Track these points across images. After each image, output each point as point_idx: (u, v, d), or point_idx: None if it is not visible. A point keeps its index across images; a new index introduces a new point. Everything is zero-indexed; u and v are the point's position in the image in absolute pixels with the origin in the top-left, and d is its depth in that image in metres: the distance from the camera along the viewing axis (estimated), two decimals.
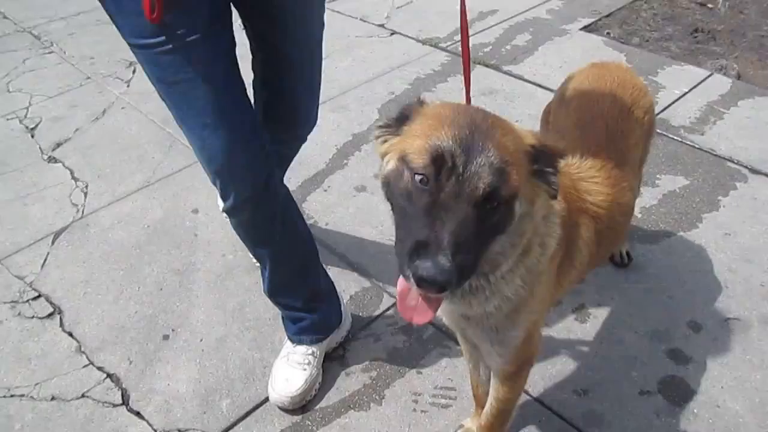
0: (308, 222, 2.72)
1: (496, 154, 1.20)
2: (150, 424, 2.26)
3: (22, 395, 2.39)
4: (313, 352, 2.31)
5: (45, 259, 2.96)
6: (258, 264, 2.26)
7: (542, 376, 2.32)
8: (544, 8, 4.95)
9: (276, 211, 2.04)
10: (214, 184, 1.91)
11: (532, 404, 2.24)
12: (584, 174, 1.79)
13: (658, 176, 3.22)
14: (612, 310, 2.56)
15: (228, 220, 2.09)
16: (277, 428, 2.22)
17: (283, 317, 2.36)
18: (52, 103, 4.12)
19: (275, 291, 2.26)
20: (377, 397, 2.29)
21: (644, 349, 2.40)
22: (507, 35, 4.61)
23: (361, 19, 4.98)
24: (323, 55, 2.23)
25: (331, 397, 2.31)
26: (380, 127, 1.40)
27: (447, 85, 4.06)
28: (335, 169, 3.41)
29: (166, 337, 2.56)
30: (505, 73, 4.16)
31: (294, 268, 2.21)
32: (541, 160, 1.32)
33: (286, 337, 2.37)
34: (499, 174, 1.20)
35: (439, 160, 1.20)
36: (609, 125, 1.94)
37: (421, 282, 1.14)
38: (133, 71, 4.39)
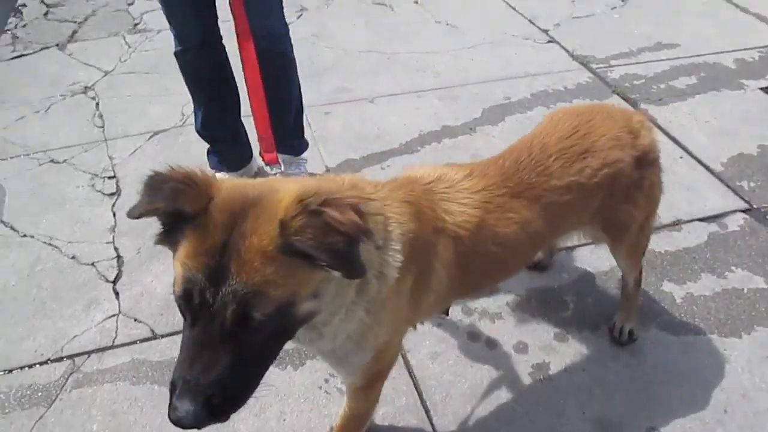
0: None
1: (242, 281, 1.12)
2: (119, 305, 2.60)
3: (55, 246, 2.88)
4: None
5: (135, 150, 3.46)
6: None
7: None
8: (733, 56, 4.35)
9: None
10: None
11: None
12: (451, 194, 1.69)
13: (732, 268, 2.76)
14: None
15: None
16: None
17: (208, 152, 3.11)
18: None
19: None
20: (297, 363, 2.38)
21: None
22: (669, 74, 4.15)
23: (528, 20, 4.82)
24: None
25: None
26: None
27: (566, 105, 3.81)
28: (405, 152, 3.44)
29: None
30: (639, 111, 3.79)
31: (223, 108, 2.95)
32: (289, 236, 1.13)
33: None
34: (248, 300, 1.13)
35: (188, 294, 1.16)
36: (533, 156, 1.81)
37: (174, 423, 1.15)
38: None
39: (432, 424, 2.17)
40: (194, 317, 1.17)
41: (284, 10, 2.75)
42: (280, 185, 1.27)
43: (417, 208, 1.57)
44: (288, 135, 2.98)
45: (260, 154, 2.62)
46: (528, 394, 2.26)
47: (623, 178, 1.92)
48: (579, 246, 2.80)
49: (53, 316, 2.57)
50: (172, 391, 1.17)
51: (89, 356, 2.41)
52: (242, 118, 3.12)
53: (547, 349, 2.42)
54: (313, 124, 3.63)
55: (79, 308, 2.60)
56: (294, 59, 2.87)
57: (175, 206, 1.19)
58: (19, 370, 2.38)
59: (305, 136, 3.13)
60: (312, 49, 4.43)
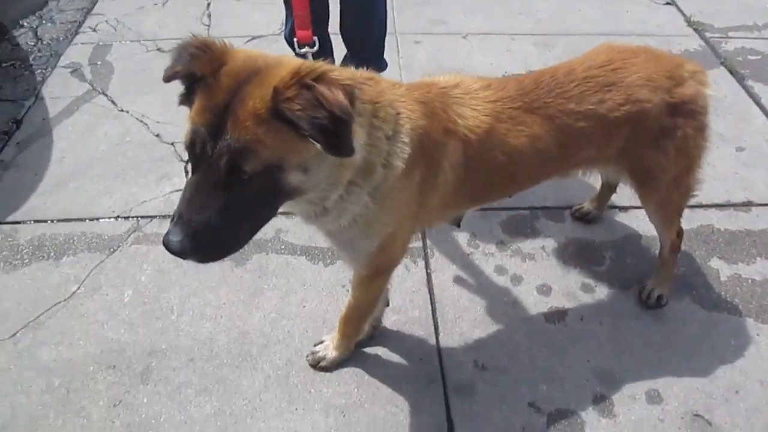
0: None
1: (235, 137, 1.25)
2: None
3: (144, 123, 3.19)
4: None
5: None
6: None
7: None
8: None
9: None
10: None
11: None
12: (466, 100, 1.74)
13: None
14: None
15: None
16: None
17: None
18: None
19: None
20: (328, 261, 2.54)
21: None
22: None
23: None
24: None
25: None
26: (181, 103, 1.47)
27: None
28: None
29: None
30: (744, 86, 3.55)
31: None
32: (279, 103, 1.24)
33: None
34: (239, 154, 1.25)
35: (193, 144, 1.31)
36: (555, 79, 1.83)
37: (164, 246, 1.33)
38: None
39: (437, 340, 2.27)
40: (196, 164, 1.33)
41: None
42: (287, 60, 1.38)
43: (430, 108, 1.64)
44: (368, 55, 3.06)
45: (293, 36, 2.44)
46: (537, 333, 2.31)
47: (649, 121, 1.88)
48: (632, 207, 2.74)
49: (130, 181, 2.87)
50: (170, 221, 1.34)
51: (151, 220, 2.69)
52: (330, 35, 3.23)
53: (569, 296, 2.43)
54: (401, 51, 3.69)
55: (152, 179, 2.88)
56: None
57: (189, 69, 1.33)
58: (93, 220, 2.69)
59: (385, 58, 3.19)
60: None
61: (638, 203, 2.61)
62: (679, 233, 2.33)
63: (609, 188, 2.64)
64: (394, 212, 1.71)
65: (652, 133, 1.92)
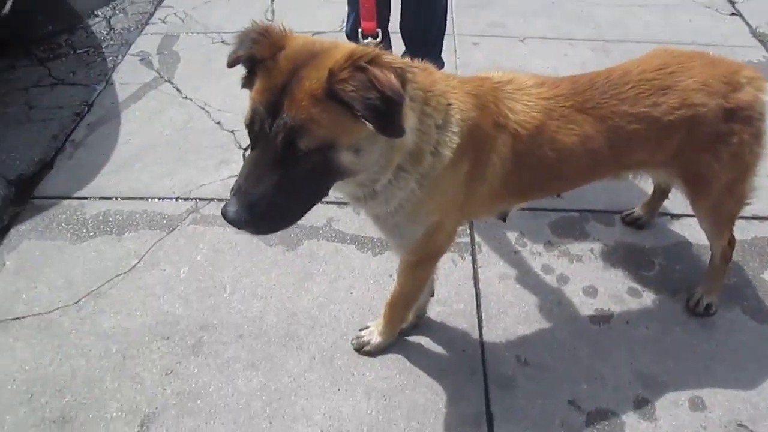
0: None
1: (291, 115, 1.31)
2: None
3: (206, 111, 3.32)
4: None
5: None
6: None
7: None
8: None
9: None
10: None
11: None
12: (518, 96, 1.77)
13: None
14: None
15: None
16: None
17: None
18: None
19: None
20: (377, 251, 2.60)
21: None
22: None
23: None
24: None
25: None
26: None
27: None
28: None
29: None
30: None
31: None
32: (333, 84, 1.31)
33: None
34: (295, 132, 1.32)
35: (252, 122, 1.40)
36: (610, 80, 1.84)
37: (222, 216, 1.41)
38: None
39: (481, 334, 2.30)
40: (255, 141, 1.42)
41: None
42: (342, 44, 1.45)
43: (482, 101, 1.68)
44: (426, 51, 3.10)
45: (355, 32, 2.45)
46: (582, 333, 2.31)
47: (704, 125, 1.87)
48: (684, 215, 2.71)
49: (190, 165, 2.99)
50: (230, 193, 1.42)
51: (209, 202, 2.80)
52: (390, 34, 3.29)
53: (616, 299, 2.43)
54: (459, 51, 3.74)
55: (212, 164, 2.99)
56: None
57: (251, 53, 1.42)
58: (154, 199, 2.82)
59: (442, 57, 3.22)
60: None
61: (691, 211, 2.60)
62: (731, 242, 2.29)
63: (661, 194, 2.62)
64: (441, 201, 1.75)
65: (706, 138, 1.91)
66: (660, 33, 3.98)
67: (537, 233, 2.66)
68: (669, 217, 2.77)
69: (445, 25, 3.10)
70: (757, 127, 1.95)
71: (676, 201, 2.68)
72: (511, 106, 1.76)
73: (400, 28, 3.06)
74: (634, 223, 2.70)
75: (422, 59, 3.05)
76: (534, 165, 1.82)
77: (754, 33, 4.01)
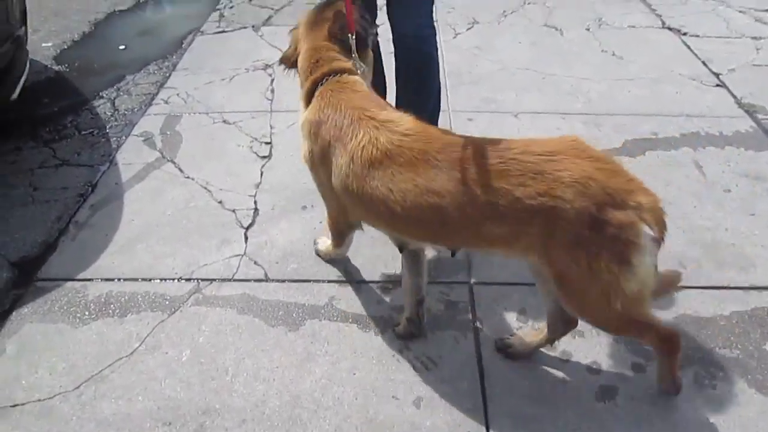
0: None
1: None
2: (245, 248, 2.99)
3: (208, 190, 3.37)
4: None
5: (292, 124, 3.88)
6: None
7: None
8: None
9: None
10: None
11: None
12: (378, 124, 2.07)
13: None
14: None
15: None
16: None
17: None
18: None
19: None
20: (380, 329, 2.60)
21: None
22: None
23: (702, 62, 4.66)
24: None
25: None
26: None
27: (704, 153, 3.64)
28: None
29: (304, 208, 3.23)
30: None
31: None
32: None
33: None
34: None
35: None
36: (485, 150, 1.89)
37: None
38: None
39: (486, 413, 2.28)
40: None
41: (433, 14, 2.95)
42: None
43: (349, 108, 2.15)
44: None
45: None
46: (588, 411, 2.29)
47: (565, 222, 1.79)
48: (687, 287, 2.73)
49: (192, 245, 3.02)
50: None
51: (211, 283, 2.81)
52: None
53: (620, 376, 2.42)
54: (454, 127, 3.83)
55: (214, 243, 3.02)
56: (436, 58, 3.07)
57: None
58: (157, 280, 2.83)
59: None
60: (473, 60, 4.66)
61: (693, 282, 2.64)
62: (665, 337, 2.12)
63: (560, 317, 2.28)
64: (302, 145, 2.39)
65: (567, 237, 1.82)
66: (648, 105, 4.10)
67: (538, 309, 2.66)
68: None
69: (440, 103, 3.20)
70: (621, 251, 1.80)
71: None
72: (361, 131, 2.03)
73: (396, 107, 3.10)
74: (505, 350, 2.46)
75: None
76: (369, 195, 2.00)
77: (740, 103, 4.14)
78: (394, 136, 2.00)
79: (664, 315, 2.65)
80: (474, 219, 1.90)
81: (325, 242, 2.84)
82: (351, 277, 2.83)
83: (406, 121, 2.07)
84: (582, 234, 1.80)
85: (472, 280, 2.81)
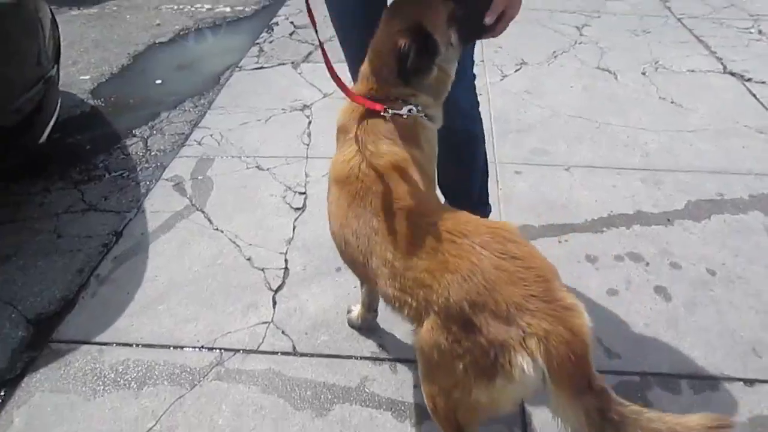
0: None
1: None
2: (273, 314, 2.78)
3: (237, 245, 3.17)
4: None
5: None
6: None
7: None
8: None
9: None
10: None
11: None
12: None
13: None
14: None
15: None
16: None
17: None
18: None
19: None
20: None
21: None
22: None
23: None
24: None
25: None
26: None
27: None
28: (588, 230, 3.25)
29: (338, 269, 3.00)
30: None
31: None
32: None
33: None
34: None
35: None
36: (422, 219, 1.76)
37: None
38: None
39: None
40: None
41: (476, 82, 2.63)
42: None
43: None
44: (472, 206, 2.74)
45: None
46: None
47: (438, 308, 1.62)
48: (758, 381, 2.42)
49: (217, 308, 2.81)
50: None
51: (235, 354, 2.59)
52: None
53: None
54: (501, 182, 3.59)
55: (240, 308, 2.81)
56: (482, 134, 2.73)
57: None
58: (177, 348, 2.63)
59: (489, 201, 3.01)
60: (521, 105, 4.41)
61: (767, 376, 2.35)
62: None
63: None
64: None
65: (437, 322, 1.62)
66: (713, 162, 3.79)
67: None
68: (741, 382, 2.46)
69: (488, 174, 2.89)
70: (486, 365, 1.53)
71: (749, 365, 2.41)
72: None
73: (439, 183, 2.60)
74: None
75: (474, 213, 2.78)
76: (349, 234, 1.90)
77: None
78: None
79: (739, 415, 2.34)
80: (373, 272, 1.82)
81: (359, 310, 2.65)
82: (387, 354, 2.58)
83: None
84: (450, 327, 1.57)
85: None
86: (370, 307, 2.62)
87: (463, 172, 2.75)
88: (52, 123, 3.47)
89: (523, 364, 1.45)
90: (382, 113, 1.97)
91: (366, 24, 2.10)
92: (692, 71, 4.92)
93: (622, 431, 1.45)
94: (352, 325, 2.69)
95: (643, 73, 4.87)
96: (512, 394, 1.57)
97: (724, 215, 3.34)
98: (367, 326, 2.67)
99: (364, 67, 2.08)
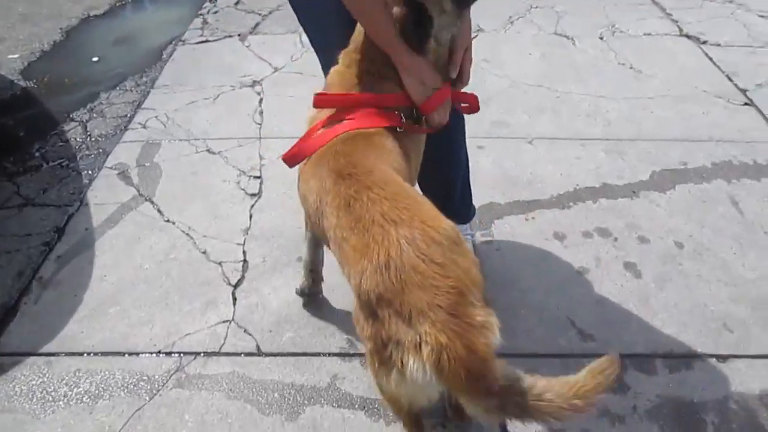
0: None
1: None
2: (233, 312, 2.63)
3: (191, 237, 3.00)
4: None
5: None
6: None
7: None
8: None
9: None
10: None
11: None
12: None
13: None
14: None
15: None
16: None
17: None
18: None
19: None
20: None
21: None
22: None
23: (726, 75, 4.30)
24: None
25: None
26: None
27: (739, 187, 3.30)
28: (554, 206, 3.18)
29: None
30: None
31: None
32: None
33: None
34: None
35: None
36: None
37: None
38: None
39: None
40: None
41: None
42: None
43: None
44: (455, 205, 2.69)
45: None
46: None
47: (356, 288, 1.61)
48: (731, 356, 2.41)
49: (173, 308, 2.65)
50: None
51: (195, 358, 2.45)
52: None
53: None
54: None
55: (198, 306, 2.65)
56: (463, 119, 2.50)
57: None
58: (132, 355, 2.47)
59: (474, 204, 2.84)
60: (479, 75, 4.27)
61: (740, 351, 2.35)
62: None
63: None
64: None
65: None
66: (674, 129, 3.75)
67: None
68: (715, 359, 2.45)
69: (469, 175, 2.69)
70: (387, 356, 1.51)
71: (722, 340, 2.40)
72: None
73: (420, 182, 2.37)
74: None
75: (458, 214, 2.58)
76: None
77: None
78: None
79: (708, 393, 2.33)
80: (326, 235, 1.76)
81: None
82: (356, 349, 2.47)
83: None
84: (363, 309, 1.57)
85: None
86: (313, 274, 2.55)
87: (447, 167, 2.52)
88: None
89: (414, 367, 1.43)
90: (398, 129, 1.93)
91: (349, 21, 1.95)
92: (649, 34, 4.87)
93: (525, 417, 1.44)
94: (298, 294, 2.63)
95: (601, 38, 4.79)
96: (409, 390, 1.54)
97: (689, 185, 3.31)
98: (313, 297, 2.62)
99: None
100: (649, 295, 2.68)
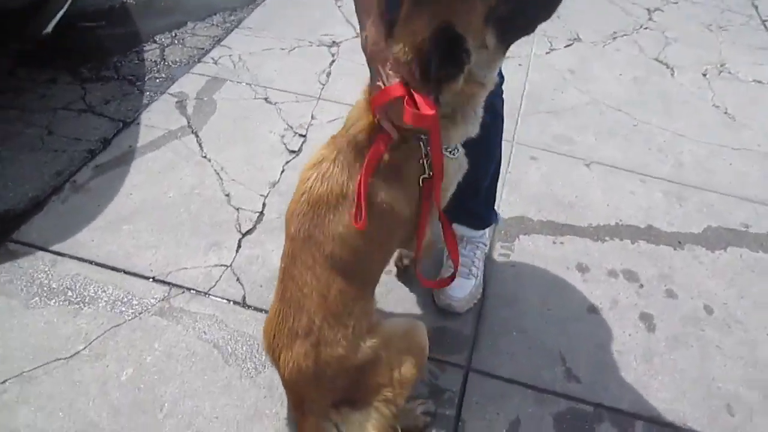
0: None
1: None
2: (233, 258, 2.66)
3: (220, 178, 3.05)
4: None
5: (336, 119, 3.49)
6: None
7: None
8: None
9: None
10: None
11: None
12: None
13: None
14: None
15: None
16: None
17: None
18: None
19: None
20: None
21: None
22: None
23: None
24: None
25: None
26: None
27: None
28: (588, 236, 3.01)
29: None
30: None
31: None
32: None
33: None
34: None
35: None
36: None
37: None
38: None
39: None
40: None
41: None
42: None
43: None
44: (479, 206, 2.58)
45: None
46: None
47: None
48: None
49: (180, 241, 2.71)
50: None
51: (183, 292, 2.51)
52: None
53: None
54: (512, 165, 3.34)
55: (203, 245, 2.71)
56: (502, 116, 2.37)
57: None
58: (128, 274, 2.56)
59: (496, 210, 2.71)
60: (560, 85, 4.08)
61: None
62: None
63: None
64: None
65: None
66: (750, 187, 3.43)
67: (537, 424, 2.23)
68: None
69: (498, 175, 2.57)
70: None
71: (718, 420, 2.21)
72: None
73: None
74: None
75: (470, 216, 2.53)
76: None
77: None
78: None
79: None
80: None
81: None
82: None
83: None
84: None
85: (471, 365, 2.38)
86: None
87: (481, 161, 2.21)
88: (59, 14, 3.33)
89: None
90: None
91: None
92: (759, 82, 4.47)
93: None
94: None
95: (704, 74, 4.45)
96: None
97: (743, 249, 3.04)
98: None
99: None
100: (656, 353, 2.50)
